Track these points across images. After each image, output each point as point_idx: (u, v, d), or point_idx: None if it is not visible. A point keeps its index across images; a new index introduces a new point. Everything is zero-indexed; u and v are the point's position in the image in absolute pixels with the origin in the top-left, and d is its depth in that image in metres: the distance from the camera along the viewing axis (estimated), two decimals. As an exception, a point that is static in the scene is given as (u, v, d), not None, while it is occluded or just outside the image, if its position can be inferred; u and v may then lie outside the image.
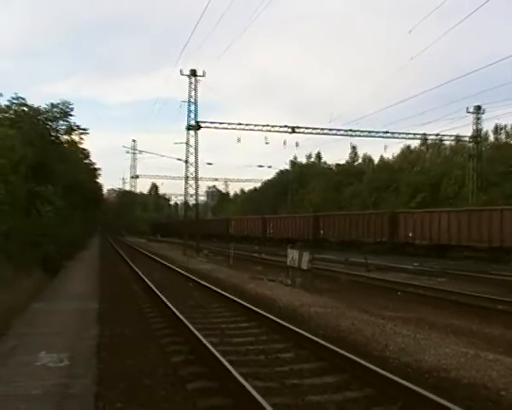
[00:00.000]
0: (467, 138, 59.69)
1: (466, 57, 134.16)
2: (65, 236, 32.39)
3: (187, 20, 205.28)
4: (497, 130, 65.51)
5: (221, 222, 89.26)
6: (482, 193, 56.59)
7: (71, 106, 32.21)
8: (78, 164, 42.22)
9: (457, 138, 62.84)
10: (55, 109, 31.57)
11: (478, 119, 56.92)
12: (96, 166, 58.38)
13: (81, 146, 41.43)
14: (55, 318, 14.78)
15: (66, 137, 34.51)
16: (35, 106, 30.92)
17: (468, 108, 56.28)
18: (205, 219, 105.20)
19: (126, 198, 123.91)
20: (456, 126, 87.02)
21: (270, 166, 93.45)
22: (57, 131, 32.66)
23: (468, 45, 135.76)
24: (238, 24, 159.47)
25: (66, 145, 35.66)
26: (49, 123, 31.53)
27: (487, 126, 74.31)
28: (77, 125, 34.09)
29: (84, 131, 35.37)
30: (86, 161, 49.54)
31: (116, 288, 22.11)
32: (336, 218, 58.46)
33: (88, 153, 48.90)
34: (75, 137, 36.03)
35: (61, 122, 32.47)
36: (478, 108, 56.52)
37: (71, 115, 32.56)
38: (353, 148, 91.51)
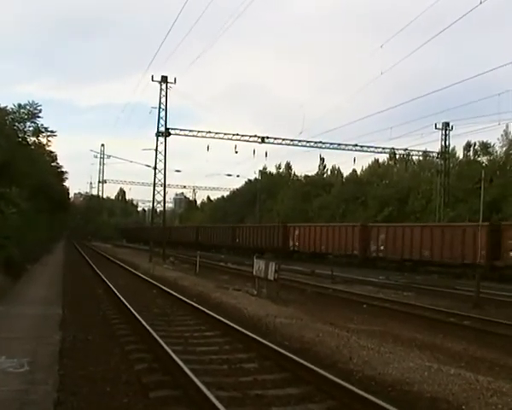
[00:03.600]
0: (435, 154, 60.38)
1: (435, 74, 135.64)
2: (29, 239, 31.98)
3: (159, 27, 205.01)
4: (468, 147, 66.27)
5: (191, 230, 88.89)
6: (449, 209, 57.18)
7: (39, 107, 31.90)
8: (45, 167, 41.73)
9: (425, 154, 63.53)
10: (22, 110, 31.23)
11: (446, 135, 57.53)
12: (63, 170, 57.73)
13: (48, 148, 41.10)
14: (17, 322, 14.55)
15: (33, 138, 34.17)
16: (1, 106, 30.56)
17: (436, 125, 56.89)
18: (174, 227, 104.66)
19: (93, 203, 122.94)
20: (424, 142, 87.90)
21: (238, 176, 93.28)
22: (24, 132, 32.31)
23: (437, 62, 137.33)
24: (210, 32, 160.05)
25: (33, 147, 35.26)
26: (17, 124, 31.17)
27: (455, 143, 75.10)
28: (44, 128, 33.77)
29: (52, 133, 35.03)
30: (53, 164, 48.98)
31: (80, 293, 21.87)
32: (307, 229, 57.46)
33: (55, 155, 48.43)
34: (42, 140, 35.71)
35: (29, 124, 32.14)
36: (446, 125, 57.13)
37: (39, 117, 32.24)
38: (322, 160, 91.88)
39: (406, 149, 60.43)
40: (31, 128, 32.62)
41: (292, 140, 57.11)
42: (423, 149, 61.60)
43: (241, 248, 64.49)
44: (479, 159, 65.22)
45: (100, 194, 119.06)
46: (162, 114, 52.30)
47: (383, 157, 78.55)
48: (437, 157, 60.27)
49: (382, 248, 45.90)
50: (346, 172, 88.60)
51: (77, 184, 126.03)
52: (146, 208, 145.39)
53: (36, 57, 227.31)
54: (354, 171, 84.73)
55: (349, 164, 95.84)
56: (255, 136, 55.70)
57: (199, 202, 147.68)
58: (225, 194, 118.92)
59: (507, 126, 59.50)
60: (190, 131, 55.35)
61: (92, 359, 10.53)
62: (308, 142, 57.25)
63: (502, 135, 62.61)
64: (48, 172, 42.26)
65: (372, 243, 47.17)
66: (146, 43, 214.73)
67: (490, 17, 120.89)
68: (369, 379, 9.57)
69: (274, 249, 56.52)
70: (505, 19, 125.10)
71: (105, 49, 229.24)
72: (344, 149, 58.42)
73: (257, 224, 74.66)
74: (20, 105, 31.22)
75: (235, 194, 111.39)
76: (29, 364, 9.80)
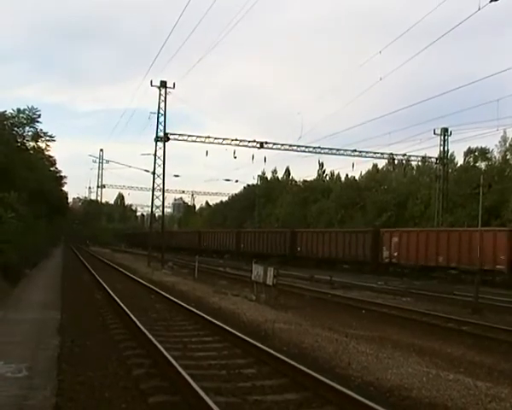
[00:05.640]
0: (433, 159, 60.43)
1: (434, 79, 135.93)
2: (28, 244, 31.95)
3: (159, 32, 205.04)
4: (470, 152, 66.21)
5: (192, 235, 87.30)
6: (448, 214, 57.20)
7: (38, 112, 31.94)
8: (44, 171, 41.73)
9: (424, 159, 63.53)
10: (21, 115, 31.25)
11: (444, 140, 57.56)
12: (62, 174, 57.77)
13: (47, 153, 41.13)
14: (15, 327, 14.54)
15: (32, 143, 34.20)
16: (1, 111, 30.58)
17: (434, 130, 56.91)
18: (175, 231, 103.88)
19: (92, 208, 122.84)
20: (423, 147, 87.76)
21: (237, 181, 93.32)
22: (23, 137, 32.33)
23: (437, 67, 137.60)
24: (209, 38, 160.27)
25: (32, 152, 35.27)
26: (16, 129, 31.19)
27: (454, 148, 75.04)
28: (43, 132, 33.80)
29: (51, 138, 35.10)
30: (52, 169, 48.99)
31: (78, 298, 21.84)
32: (315, 234, 56.31)
33: (54, 160, 48.47)
34: (41, 144, 35.75)
35: (28, 128, 32.17)
36: (445, 130, 57.16)
37: (38, 122, 32.29)
38: (321, 165, 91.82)
39: (405, 155, 60.41)
40: (30, 133, 32.69)
41: (290, 145, 57.07)
42: (422, 154, 61.61)
43: (247, 254, 62.51)
44: (477, 164, 65.23)
45: (98, 199, 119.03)
46: (161, 119, 52.30)
47: (382, 162, 78.57)
48: (436, 162, 60.31)
49: (396, 254, 44.35)
50: (344, 177, 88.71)
51: (75, 189, 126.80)
52: (145, 213, 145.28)
53: (35, 61, 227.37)
54: (348, 176, 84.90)
55: (348, 169, 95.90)
56: (254, 141, 55.67)
57: (198, 207, 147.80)
58: (224, 199, 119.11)
59: (504, 132, 59.48)
60: (189, 136, 55.31)
61: (91, 364, 10.51)
62: (307, 147, 57.21)
63: (500, 141, 62.66)
64: (47, 176, 42.28)
65: (385, 248, 45.62)
66: (145, 48, 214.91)
67: (489, 23, 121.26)
68: (367, 385, 9.57)
69: (281, 255, 55.90)
70: (505, 24, 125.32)
71: (104, 54, 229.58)
72: (343, 155, 58.40)
73: (264, 228, 73.26)
74: (19, 110, 31.32)
75: (234, 199, 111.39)
76: (27, 369, 9.79)
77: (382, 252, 45.66)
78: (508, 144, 62.18)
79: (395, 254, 44.30)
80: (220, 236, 76.66)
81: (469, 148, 66.08)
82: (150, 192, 56.05)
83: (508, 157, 62.18)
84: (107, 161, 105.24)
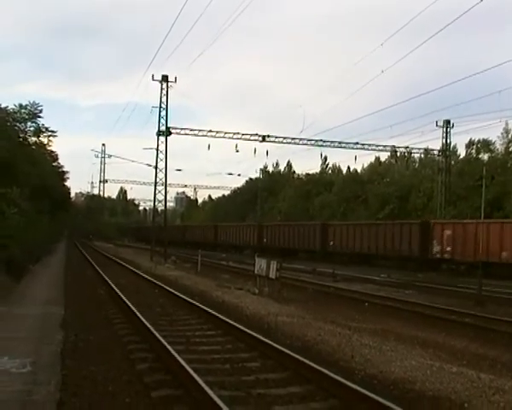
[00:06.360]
0: (436, 152, 60.37)
1: (436, 71, 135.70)
2: (31, 239, 31.96)
3: (160, 26, 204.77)
4: (470, 144, 66.04)
5: (208, 229, 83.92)
6: (451, 207, 57.15)
7: (39, 107, 31.90)
8: (46, 167, 41.71)
9: (426, 151, 63.48)
10: (23, 110, 31.23)
11: (447, 133, 57.48)
12: (65, 170, 57.71)
13: (49, 148, 41.10)
14: (19, 323, 14.56)
15: (34, 138, 34.18)
16: (2, 106, 30.57)
17: (437, 122, 56.83)
18: (189, 225, 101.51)
19: (94, 202, 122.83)
20: (425, 140, 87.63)
21: (239, 175, 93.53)
22: (25, 132, 32.32)
23: (438, 60, 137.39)
24: (211, 31, 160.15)
25: (34, 147, 35.26)
26: (18, 124, 31.18)
27: (457, 140, 74.90)
28: (45, 127, 33.79)
29: (53, 133, 35.09)
30: (54, 164, 48.96)
31: (82, 293, 21.87)
32: (351, 227, 52.33)
33: (56, 155, 48.36)
34: (43, 140, 35.72)
35: (30, 124, 32.16)
36: (447, 123, 57.07)
37: (39, 117, 32.27)
38: (325, 158, 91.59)
39: (407, 147, 60.36)
40: (31, 128, 32.67)
41: (293, 138, 56.98)
42: (424, 146, 61.57)
43: (270, 249, 58.52)
44: (480, 156, 65.10)
45: (101, 193, 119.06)
46: (163, 113, 52.19)
47: (384, 155, 78.45)
48: (438, 155, 60.25)
49: (449, 249, 40.51)
50: (346, 170, 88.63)
51: (78, 184, 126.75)
52: (147, 208, 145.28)
53: (36, 57, 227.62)
54: (350, 169, 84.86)
55: (350, 162, 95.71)
56: (256, 134, 55.58)
57: (200, 201, 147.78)
58: (226, 193, 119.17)
59: (506, 124, 59.34)
60: (191, 130, 55.29)
61: (94, 359, 10.53)
62: (309, 140, 57.16)
63: (502, 133, 62.51)
64: (49, 172, 42.25)
65: (435, 242, 41.78)
66: (147, 42, 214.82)
67: (491, 14, 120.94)
68: (371, 378, 9.57)
69: (310, 251, 54.55)
70: (506, 16, 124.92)
71: (106, 49, 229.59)
72: (345, 148, 58.36)
73: (290, 222, 67.75)
74: (20, 105, 31.25)
75: (237, 193, 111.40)
76: (31, 364, 9.81)
77: (432, 247, 41.92)
78: (510, 136, 62.02)
79: (448, 248, 40.56)
80: (239, 229, 72.56)
81: (471, 140, 65.97)
82: (153, 186, 56.14)
83: (510, 149, 62.00)
84: (110, 156, 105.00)
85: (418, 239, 43.07)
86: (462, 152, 68.81)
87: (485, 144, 64.84)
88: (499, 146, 64.05)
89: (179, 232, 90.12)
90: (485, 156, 64.43)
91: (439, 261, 41.12)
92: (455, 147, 65.74)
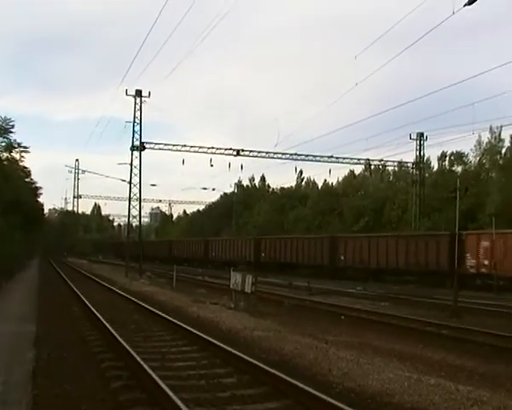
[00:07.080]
0: (410, 164, 60.87)
1: (409, 84, 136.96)
2: (3, 255, 31.54)
3: (133, 40, 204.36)
4: (443, 157, 66.77)
5: (198, 244, 79.66)
6: (426, 219, 57.57)
7: (11, 123, 31.59)
8: (19, 182, 41.26)
9: (401, 164, 64.02)
10: (-6, 126, 30.90)
11: (420, 145, 58.01)
12: (38, 185, 57.12)
13: (22, 164, 40.64)
14: (-10, 341, 14.27)
15: (5, 154, 33.80)
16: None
17: (410, 135, 57.36)
18: (178, 240, 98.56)
19: (68, 218, 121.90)
20: (399, 152, 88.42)
21: (214, 189, 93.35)
22: (-4, 147, 31.97)
23: (411, 72, 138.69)
24: (185, 45, 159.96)
25: (5, 163, 34.86)
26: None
27: (431, 153, 75.62)
28: (18, 143, 33.44)
29: (25, 149, 34.75)
30: (27, 180, 48.44)
31: (55, 310, 21.56)
32: (365, 240, 48.78)
33: (29, 171, 47.82)
34: (15, 155, 35.34)
35: (1, 139, 31.82)
36: (421, 135, 57.66)
37: (11, 132, 31.93)
38: (300, 172, 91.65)
39: (381, 160, 60.83)
40: (3, 144, 32.31)
41: (267, 152, 57.23)
42: (398, 159, 62.13)
43: (269, 265, 57.04)
44: (453, 168, 65.76)
45: (75, 209, 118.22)
46: (137, 128, 52.20)
47: (359, 168, 78.88)
48: (412, 167, 60.77)
49: (486, 262, 36.80)
50: (321, 183, 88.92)
51: (51, 200, 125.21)
52: (122, 223, 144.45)
53: (9, 72, 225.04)
54: (326, 183, 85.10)
55: (325, 175, 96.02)
56: (230, 149, 55.77)
57: (175, 217, 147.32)
58: (201, 207, 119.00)
59: (480, 136, 59.99)
60: (165, 144, 55.37)
61: (67, 377, 10.31)
62: (283, 154, 57.44)
63: (475, 145, 63.16)
64: (21, 187, 41.78)
65: (469, 255, 38.08)
66: (120, 56, 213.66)
67: (463, 27, 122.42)
68: (348, 391, 9.49)
69: (317, 266, 51.66)
70: (478, 29, 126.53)
71: (79, 63, 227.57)
72: (319, 161, 58.68)
73: (293, 235, 64.69)
74: (-9, 120, 30.91)
75: (211, 207, 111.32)
76: (1, 384, 9.57)
77: (465, 260, 37.94)
78: (483, 148, 62.69)
79: (485, 262, 36.87)
80: (234, 244, 68.56)
81: (443, 152, 66.67)
82: (127, 202, 55.82)
83: (483, 161, 62.69)
84: (83, 171, 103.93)
85: (447, 252, 39.15)
86: (435, 164, 69.49)
87: (459, 157, 65.51)
88: (472, 158, 64.80)
89: (165, 248, 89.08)
90: (458, 168, 65.11)
91: (474, 276, 37.31)
92: (428, 159, 66.43)
